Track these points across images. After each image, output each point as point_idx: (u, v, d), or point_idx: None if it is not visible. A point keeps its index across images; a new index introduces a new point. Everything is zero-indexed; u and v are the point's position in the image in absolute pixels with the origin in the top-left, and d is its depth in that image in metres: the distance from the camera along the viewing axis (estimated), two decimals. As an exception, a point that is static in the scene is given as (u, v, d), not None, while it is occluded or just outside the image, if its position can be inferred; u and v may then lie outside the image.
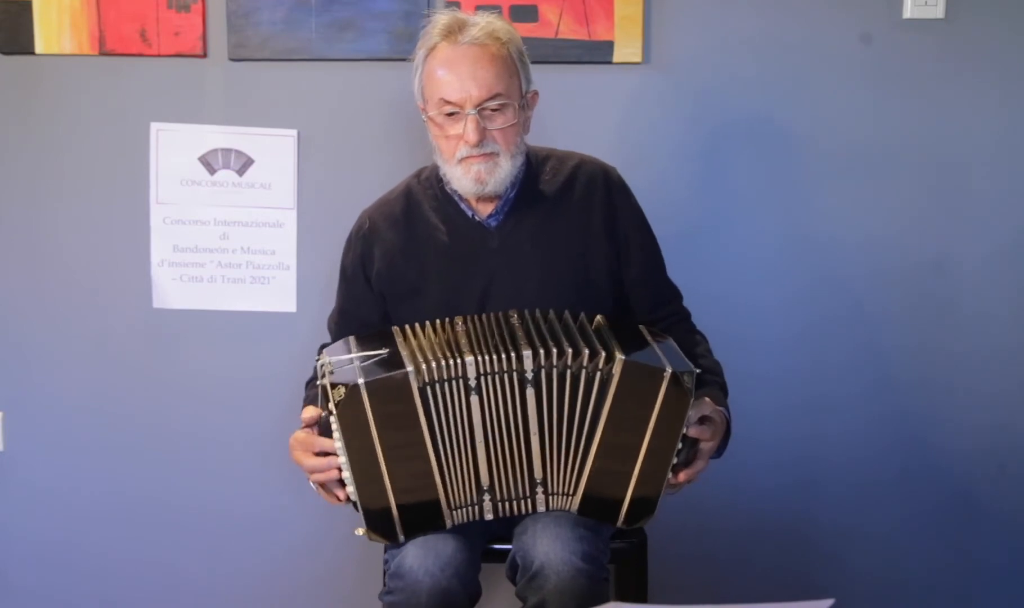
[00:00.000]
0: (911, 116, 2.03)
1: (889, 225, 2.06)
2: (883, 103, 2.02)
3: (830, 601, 0.98)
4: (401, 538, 1.43)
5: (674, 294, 1.72)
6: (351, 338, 1.56)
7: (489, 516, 1.45)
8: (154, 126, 2.09)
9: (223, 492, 2.17)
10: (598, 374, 1.40)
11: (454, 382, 1.40)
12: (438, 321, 1.52)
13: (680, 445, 1.43)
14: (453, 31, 1.53)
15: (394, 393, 1.38)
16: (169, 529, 2.19)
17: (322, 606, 2.19)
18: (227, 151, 2.09)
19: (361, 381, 1.36)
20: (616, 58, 2.02)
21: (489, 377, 1.40)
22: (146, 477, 2.18)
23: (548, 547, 1.40)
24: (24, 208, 2.13)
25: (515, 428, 1.43)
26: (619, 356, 1.38)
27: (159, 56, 2.06)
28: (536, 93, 1.64)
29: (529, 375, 1.40)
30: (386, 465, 1.39)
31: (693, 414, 1.44)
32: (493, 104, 1.52)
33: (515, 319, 1.51)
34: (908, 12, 1.99)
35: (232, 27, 2.04)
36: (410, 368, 1.38)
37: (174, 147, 2.09)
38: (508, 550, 1.67)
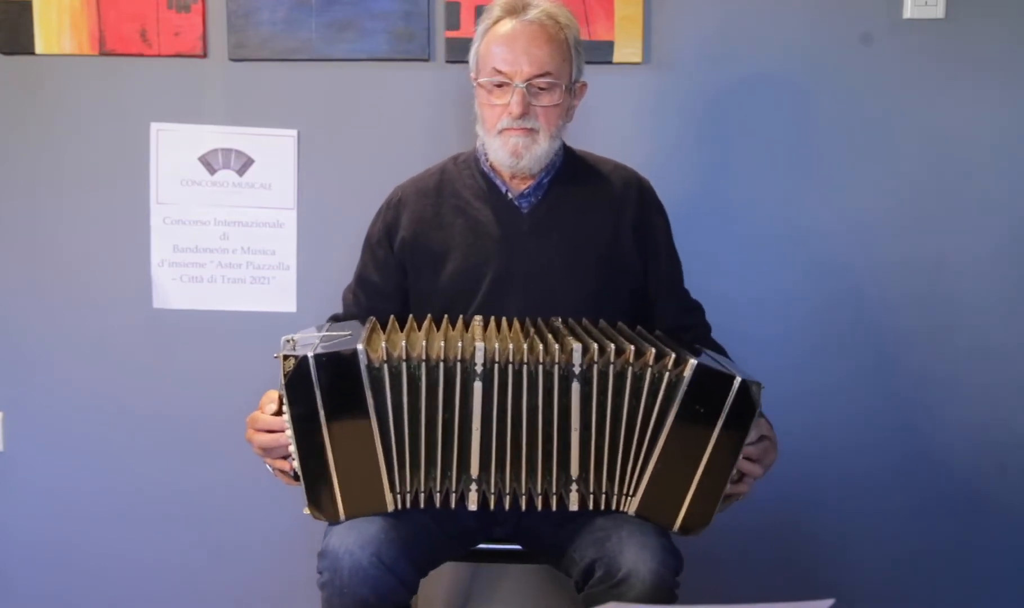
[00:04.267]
0: (911, 116, 2.03)
1: (889, 224, 2.06)
2: (883, 103, 2.03)
3: (830, 601, 0.98)
4: (342, 517, 1.43)
5: (697, 305, 1.75)
6: (327, 324, 1.59)
7: (473, 506, 1.43)
8: (154, 126, 2.09)
9: (223, 492, 2.17)
10: (666, 375, 1.39)
11: (441, 366, 1.39)
12: (445, 317, 1.53)
13: (739, 458, 1.41)
14: (516, 10, 1.59)
15: (341, 369, 1.37)
16: (169, 529, 2.19)
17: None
18: (227, 151, 2.09)
19: (311, 354, 1.36)
20: (616, 58, 2.02)
21: (507, 368, 1.39)
22: (146, 477, 2.18)
23: (636, 555, 1.39)
24: (24, 208, 2.13)
25: (546, 423, 1.41)
26: (692, 360, 1.37)
27: (159, 56, 2.06)
28: (585, 84, 1.67)
29: (576, 369, 1.39)
30: (330, 441, 1.39)
31: (753, 433, 1.42)
32: (542, 81, 1.56)
33: (558, 322, 1.53)
34: (908, 12, 1.99)
35: (232, 27, 2.04)
36: (360, 346, 1.37)
37: (174, 147, 2.09)
38: (512, 550, 1.68)
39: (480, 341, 1.40)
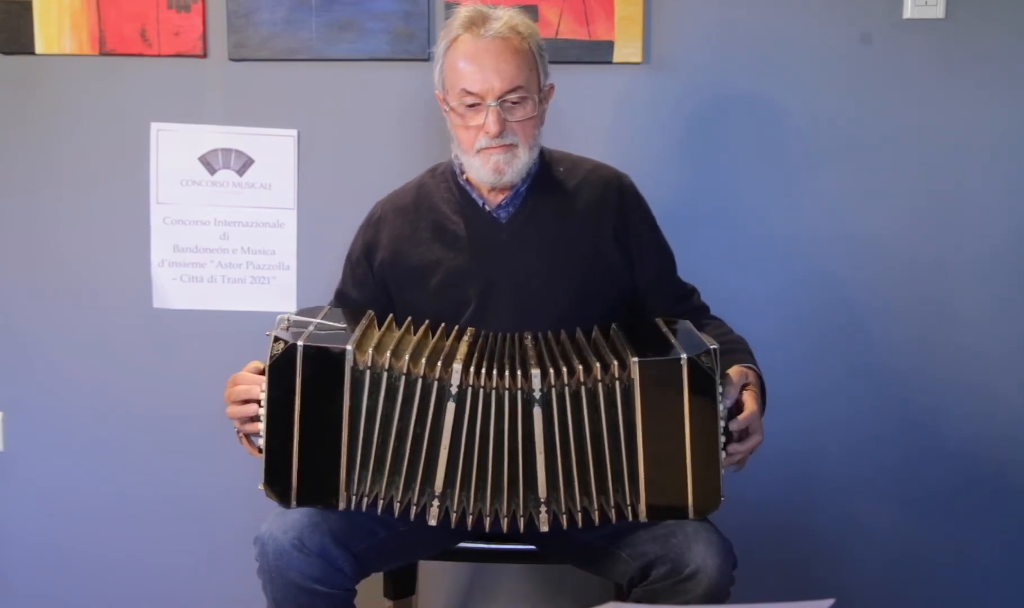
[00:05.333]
0: (911, 116, 2.03)
1: (889, 223, 2.06)
2: (883, 103, 2.03)
3: (830, 601, 0.98)
4: (293, 503, 1.43)
5: (691, 290, 1.75)
6: (325, 308, 1.58)
7: (433, 522, 1.44)
8: (154, 126, 2.09)
9: (223, 492, 2.17)
10: (617, 384, 1.40)
11: (419, 382, 1.40)
12: (442, 326, 1.53)
13: (723, 423, 1.42)
14: (476, 24, 1.55)
15: (327, 366, 1.38)
16: (169, 528, 2.19)
17: None
18: (227, 151, 2.09)
19: (300, 343, 1.37)
20: (616, 58, 2.02)
21: (483, 391, 1.40)
22: (146, 477, 2.18)
23: (704, 552, 1.39)
24: (24, 208, 2.13)
25: (511, 447, 1.42)
26: (633, 360, 1.38)
27: (159, 56, 2.06)
28: (552, 86, 1.65)
29: (537, 394, 1.40)
30: (299, 430, 1.39)
31: (730, 389, 1.44)
32: (514, 96, 1.54)
33: (528, 341, 1.52)
34: (908, 12, 1.99)
35: (232, 27, 2.04)
36: (349, 347, 1.38)
37: (174, 147, 2.09)
38: (517, 550, 1.67)
39: (459, 363, 1.40)
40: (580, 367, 1.40)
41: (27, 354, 2.17)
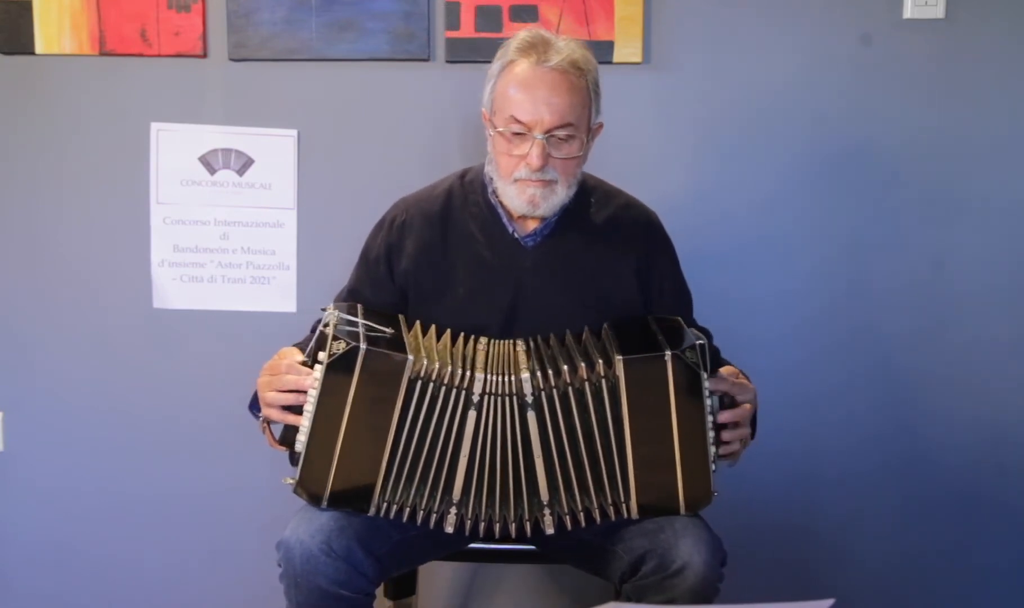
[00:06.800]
0: (911, 116, 2.03)
1: (889, 224, 2.06)
2: (883, 103, 2.03)
3: (830, 601, 0.98)
4: (324, 504, 1.44)
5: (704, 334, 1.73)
6: (359, 306, 1.57)
7: (450, 529, 1.46)
8: (154, 126, 2.09)
9: (223, 492, 2.17)
10: (603, 382, 1.41)
11: (453, 391, 1.42)
12: (462, 334, 1.54)
13: (712, 419, 1.43)
14: (537, 51, 1.51)
15: (385, 372, 1.39)
16: (169, 529, 2.19)
17: None
18: (227, 151, 2.09)
19: (364, 346, 1.37)
20: (616, 58, 2.02)
21: (492, 398, 1.42)
22: (146, 477, 2.18)
23: (691, 547, 1.40)
24: (24, 208, 2.13)
25: (514, 452, 1.44)
26: (617, 357, 1.39)
27: (159, 56, 2.06)
28: (601, 124, 1.61)
29: (529, 398, 1.42)
30: (344, 432, 1.40)
31: (719, 382, 1.44)
32: (562, 133, 1.50)
33: (520, 347, 1.52)
34: (908, 12, 1.99)
35: (232, 27, 2.04)
36: (410, 357, 1.39)
37: (174, 147, 2.09)
38: (517, 550, 1.66)
39: (480, 372, 1.42)
40: (566, 368, 1.41)
41: (27, 354, 2.17)
